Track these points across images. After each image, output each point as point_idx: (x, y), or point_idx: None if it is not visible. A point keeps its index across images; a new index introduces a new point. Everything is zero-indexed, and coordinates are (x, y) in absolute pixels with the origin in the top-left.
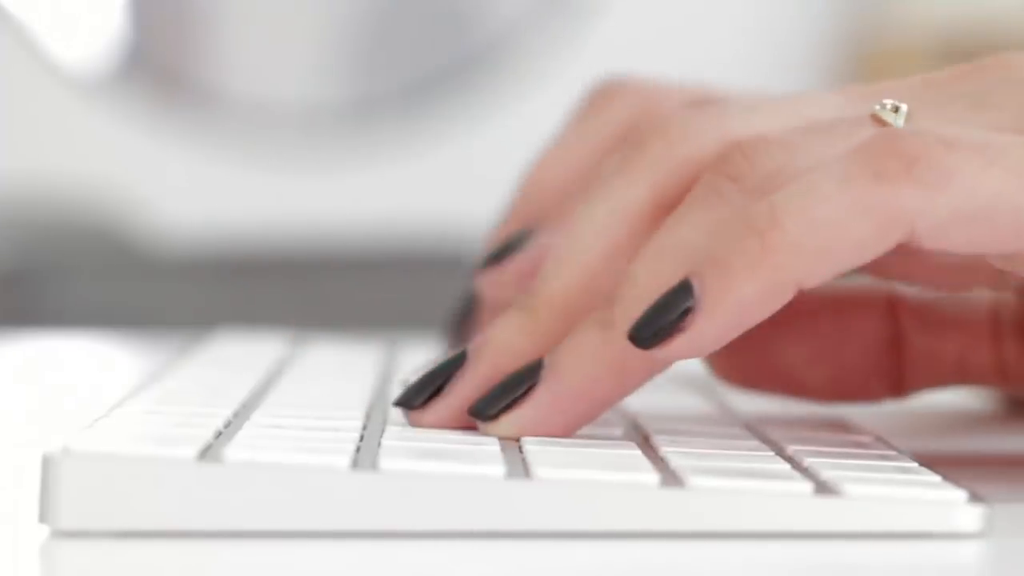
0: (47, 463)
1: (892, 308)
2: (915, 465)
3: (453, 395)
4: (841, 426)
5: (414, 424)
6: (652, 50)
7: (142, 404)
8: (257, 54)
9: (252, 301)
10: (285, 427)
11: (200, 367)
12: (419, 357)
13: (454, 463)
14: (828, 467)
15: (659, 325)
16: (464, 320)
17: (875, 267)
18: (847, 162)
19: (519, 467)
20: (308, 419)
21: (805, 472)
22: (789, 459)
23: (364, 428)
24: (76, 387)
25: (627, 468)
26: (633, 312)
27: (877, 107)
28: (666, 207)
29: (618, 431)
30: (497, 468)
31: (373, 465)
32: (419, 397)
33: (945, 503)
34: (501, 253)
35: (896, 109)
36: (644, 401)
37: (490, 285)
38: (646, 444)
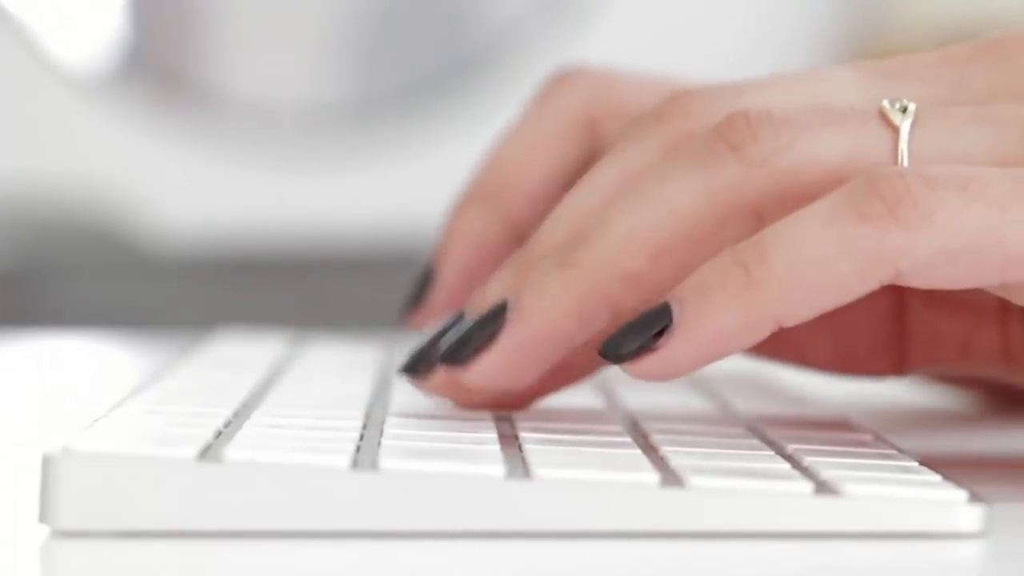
0: (47, 463)
1: (896, 291)
2: (915, 465)
3: (497, 353)
4: (841, 426)
5: (462, 379)
6: (652, 50)
7: (142, 404)
8: (257, 54)
9: (252, 301)
10: (285, 427)
11: (200, 367)
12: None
13: (454, 463)
14: (828, 467)
15: (632, 343)
16: (416, 303)
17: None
18: (832, 203)
19: (519, 467)
20: (308, 419)
21: (805, 472)
22: (789, 459)
23: (364, 428)
24: (76, 387)
25: (627, 468)
26: (597, 258)
27: (886, 104)
28: None
29: (618, 431)
30: (497, 468)
31: (373, 465)
32: (464, 351)
33: (945, 503)
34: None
35: (904, 109)
36: (644, 401)
37: (480, 376)
38: (646, 444)
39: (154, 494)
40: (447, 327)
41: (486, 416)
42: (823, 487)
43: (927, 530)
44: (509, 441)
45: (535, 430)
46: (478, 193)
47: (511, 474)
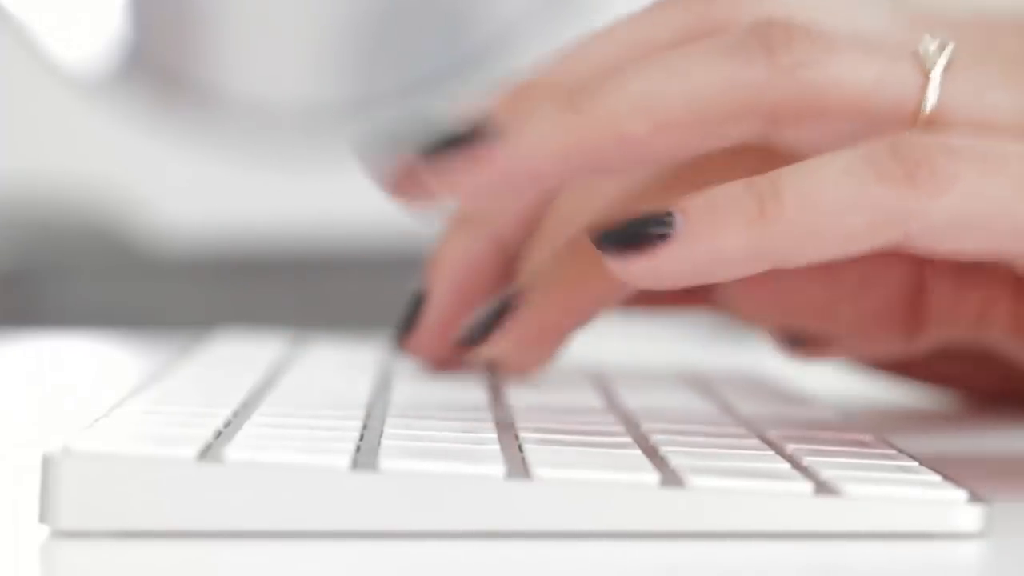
0: (47, 463)
1: (915, 260)
2: (915, 465)
3: (474, 170)
4: (841, 426)
5: (431, 182)
6: None
7: (142, 404)
8: (257, 54)
9: (252, 301)
10: (285, 427)
11: (200, 367)
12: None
13: (454, 463)
14: (828, 467)
15: (627, 237)
16: (407, 329)
17: None
18: (853, 156)
19: (519, 467)
20: (308, 419)
21: (805, 472)
22: (789, 459)
23: (364, 428)
24: (76, 387)
25: (627, 468)
26: (602, 112)
27: (921, 46)
28: None
29: (618, 431)
30: (497, 468)
31: (373, 465)
32: (443, 160)
33: (945, 503)
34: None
35: (942, 48)
36: (644, 401)
37: (501, 354)
38: (646, 444)
39: (154, 494)
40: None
41: (486, 416)
42: (823, 487)
43: (927, 530)
44: (509, 441)
45: (535, 430)
46: (469, 216)
47: (511, 474)
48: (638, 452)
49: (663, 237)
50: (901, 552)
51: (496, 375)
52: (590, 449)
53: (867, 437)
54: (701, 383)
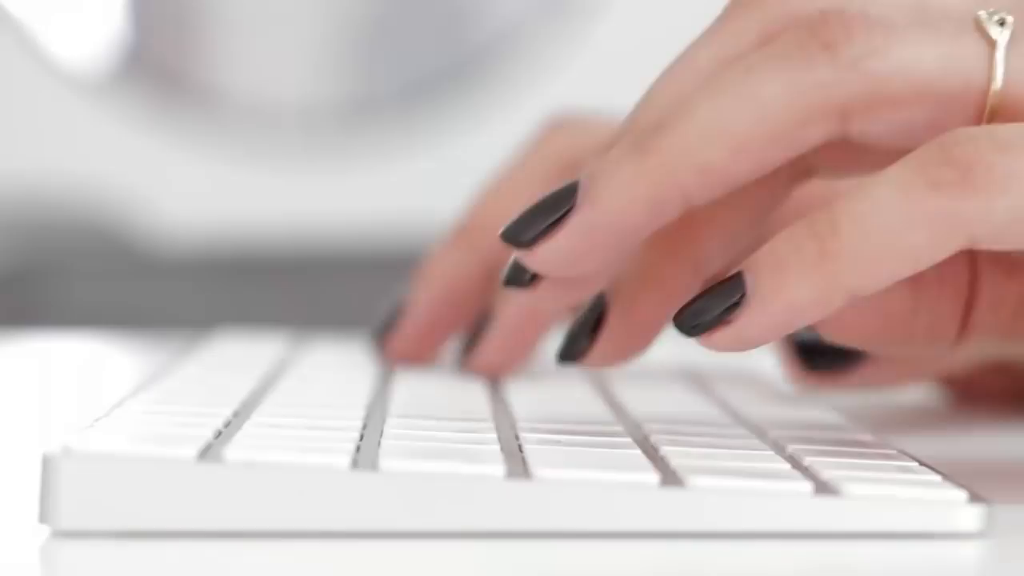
0: (47, 463)
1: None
2: (915, 465)
3: (564, 238)
4: (841, 426)
5: (522, 261)
6: (652, 50)
7: (142, 404)
8: (257, 54)
9: (252, 301)
10: (285, 427)
11: (200, 367)
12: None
13: (454, 463)
14: (828, 467)
15: (706, 314)
16: (387, 331)
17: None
18: (904, 170)
19: (519, 467)
20: (308, 419)
21: (805, 472)
22: (789, 459)
23: (364, 428)
24: (76, 387)
25: (627, 468)
26: (675, 146)
27: (983, 14)
28: None
29: (618, 431)
30: (497, 468)
31: (373, 465)
32: (529, 233)
33: (945, 503)
34: (473, 337)
35: (1002, 22)
36: (644, 401)
37: (474, 365)
38: (646, 444)
39: (154, 494)
40: (558, 197)
41: (486, 416)
42: (823, 487)
43: (927, 530)
44: (509, 441)
45: (535, 430)
46: (459, 234)
47: (511, 474)
48: (638, 452)
49: (738, 304)
50: (901, 552)
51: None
52: (590, 449)
53: (867, 437)
54: (701, 383)
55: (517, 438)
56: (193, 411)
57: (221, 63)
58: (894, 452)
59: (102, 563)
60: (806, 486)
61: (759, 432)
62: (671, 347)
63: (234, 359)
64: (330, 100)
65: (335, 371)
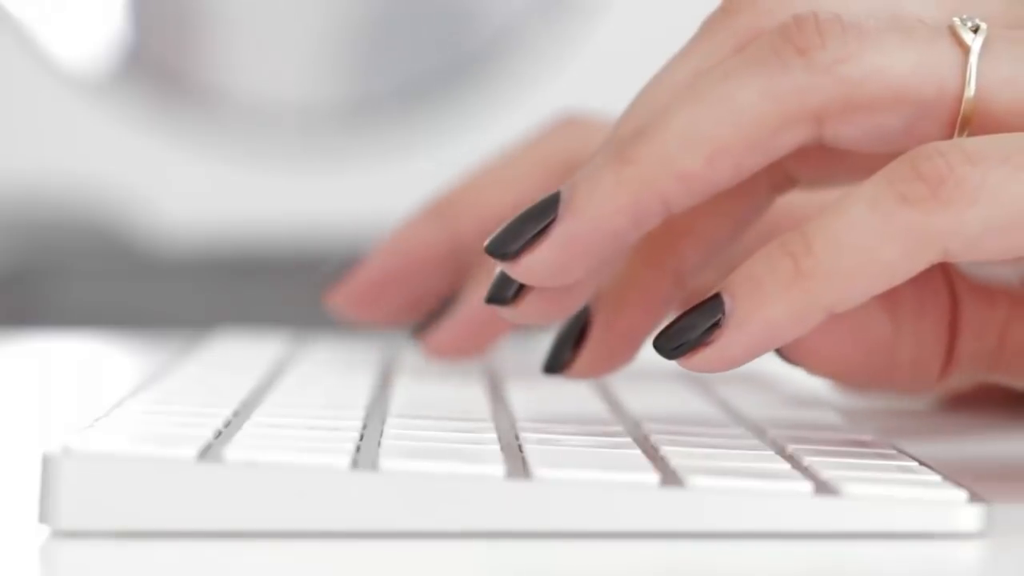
0: (47, 463)
1: (948, 277)
2: (915, 465)
3: (548, 248)
4: (841, 426)
5: (507, 272)
6: (652, 50)
7: (142, 404)
8: (257, 54)
9: (252, 301)
10: (285, 427)
11: (200, 367)
12: (419, 357)
13: (454, 463)
14: (828, 467)
15: (685, 336)
16: (340, 282)
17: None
18: (875, 187)
19: (519, 467)
20: (308, 419)
21: (805, 472)
22: (789, 459)
23: (364, 428)
24: (76, 387)
25: (627, 468)
26: (653, 154)
27: (958, 20)
28: None
29: (618, 431)
30: (497, 468)
31: (373, 465)
32: (513, 244)
33: (945, 503)
34: (434, 316)
35: (976, 29)
36: (644, 401)
37: (429, 347)
38: (646, 444)
39: (154, 494)
40: (541, 209)
41: (486, 416)
42: (823, 487)
43: (927, 530)
44: (509, 441)
45: (535, 430)
46: (432, 208)
47: (511, 474)
48: (638, 452)
49: (716, 325)
50: (901, 552)
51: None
52: (590, 449)
53: (867, 437)
54: (701, 383)
55: (517, 438)
56: (193, 411)
57: (221, 63)
58: (894, 452)
59: (102, 563)
60: (806, 486)
61: (759, 432)
62: None
63: (234, 359)
64: (329, 100)
65: (335, 371)
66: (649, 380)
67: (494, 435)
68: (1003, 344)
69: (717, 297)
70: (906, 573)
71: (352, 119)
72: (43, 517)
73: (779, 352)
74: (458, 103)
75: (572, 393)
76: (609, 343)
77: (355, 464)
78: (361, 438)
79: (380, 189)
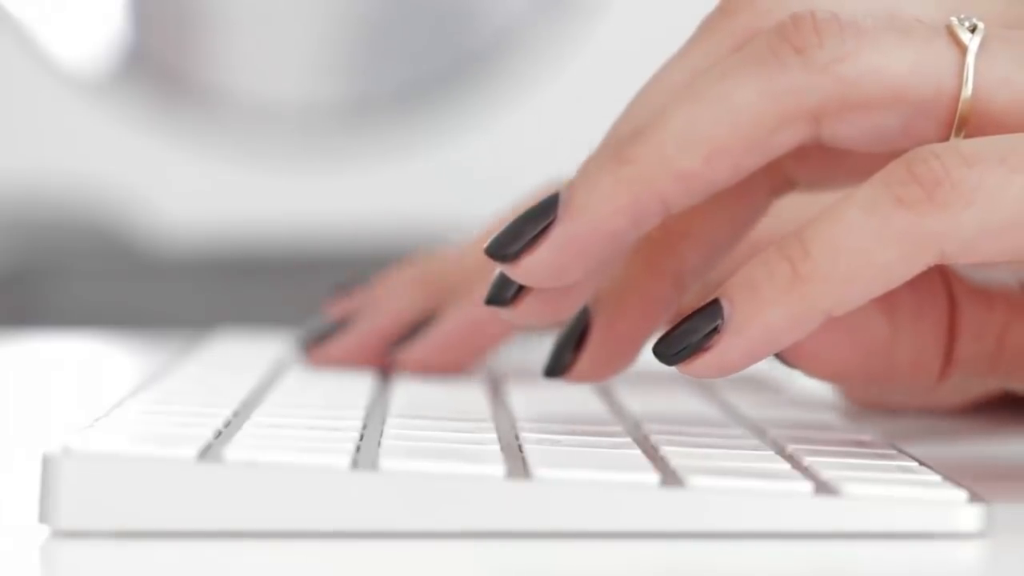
0: (47, 463)
1: (946, 280)
2: (915, 465)
3: (547, 249)
4: (841, 426)
5: (507, 274)
6: (652, 50)
7: (142, 404)
8: (257, 54)
9: (252, 301)
10: (285, 427)
11: (200, 367)
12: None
13: (454, 463)
14: (828, 467)
15: (685, 342)
16: (319, 340)
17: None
18: (871, 190)
19: (519, 467)
20: (308, 419)
21: (805, 472)
22: (789, 459)
23: (364, 428)
24: (76, 387)
25: (627, 468)
26: (652, 154)
27: (955, 20)
28: None
29: (618, 431)
30: (497, 468)
31: (373, 465)
32: (513, 246)
33: (945, 503)
34: (417, 329)
35: (973, 28)
36: (644, 401)
37: (407, 360)
38: (646, 444)
39: (154, 494)
40: (539, 211)
41: (486, 416)
42: (823, 487)
43: (927, 530)
44: (509, 441)
45: (535, 430)
46: (420, 275)
47: (511, 474)
48: (638, 452)
49: (716, 330)
50: (901, 552)
51: (497, 376)
52: (590, 449)
53: (867, 437)
54: (701, 384)
55: (517, 438)
56: (193, 411)
57: (221, 63)
58: (894, 452)
59: (102, 563)
60: (806, 486)
61: (759, 432)
62: None
63: (234, 359)
64: (329, 100)
65: (335, 371)
66: (649, 380)
67: (494, 435)
68: (1002, 347)
69: (715, 303)
70: (906, 573)
71: (352, 119)
72: (43, 517)
73: (778, 356)
74: (458, 103)
75: (572, 394)
76: (609, 346)
77: (355, 464)
78: (361, 438)
79: (380, 189)
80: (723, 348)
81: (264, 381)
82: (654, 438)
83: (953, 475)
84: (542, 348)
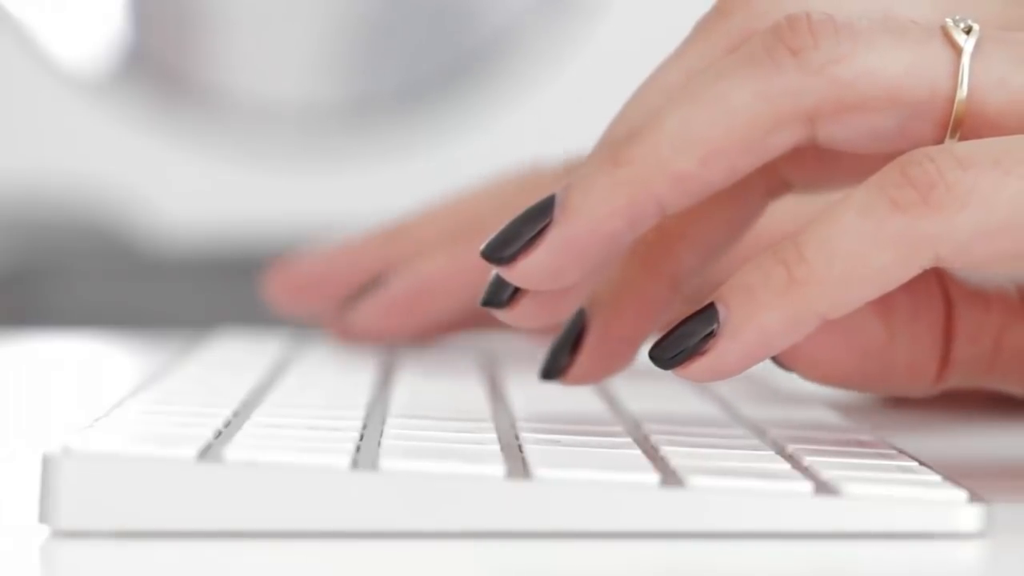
0: (47, 463)
1: (942, 283)
2: (915, 465)
3: (544, 251)
4: (841, 426)
5: (504, 277)
6: (652, 50)
7: (142, 404)
8: (257, 54)
9: (252, 301)
10: (285, 427)
11: (200, 367)
12: (419, 357)
13: (454, 463)
14: (828, 467)
15: (681, 346)
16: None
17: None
18: (866, 193)
19: (519, 467)
20: (308, 419)
21: (805, 472)
22: (789, 459)
23: (364, 428)
24: (76, 387)
25: (627, 468)
26: (647, 156)
27: (950, 22)
28: None
29: (618, 431)
30: (497, 468)
31: (373, 465)
32: (509, 249)
33: (945, 503)
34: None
35: (968, 30)
36: (644, 401)
37: (344, 329)
38: (646, 444)
39: (154, 494)
40: (534, 213)
41: (486, 416)
42: (823, 487)
43: (927, 530)
44: (509, 441)
45: (535, 430)
46: (384, 230)
47: (511, 474)
48: (638, 452)
49: (712, 334)
50: (901, 552)
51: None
52: (590, 449)
53: (867, 437)
54: (701, 383)
55: (517, 438)
56: (193, 411)
57: (221, 63)
58: (894, 452)
59: (102, 563)
60: (806, 486)
61: (759, 432)
62: None
63: (234, 359)
64: (329, 100)
65: (335, 371)
66: (649, 380)
67: (494, 435)
68: (998, 349)
69: (711, 307)
70: (906, 573)
71: (352, 119)
72: (43, 517)
73: (774, 359)
74: (458, 103)
75: (572, 393)
76: (606, 348)
77: (355, 464)
78: (361, 438)
79: (380, 189)
80: (719, 352)
81: (264, 381)
82: (654, 438)
83: (953, 475)
84: (541, 349)
